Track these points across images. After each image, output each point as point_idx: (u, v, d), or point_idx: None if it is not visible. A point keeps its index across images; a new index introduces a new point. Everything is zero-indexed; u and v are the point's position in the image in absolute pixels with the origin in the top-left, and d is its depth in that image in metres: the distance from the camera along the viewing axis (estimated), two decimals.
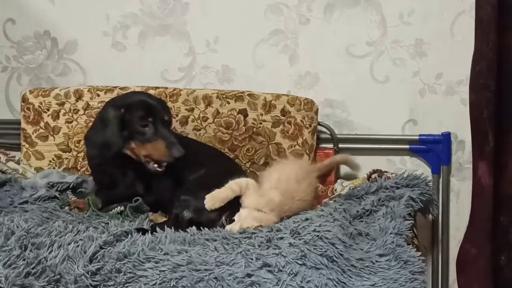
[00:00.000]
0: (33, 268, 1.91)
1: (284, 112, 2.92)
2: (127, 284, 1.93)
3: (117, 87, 2.99)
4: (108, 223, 2.36)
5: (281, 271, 1.95)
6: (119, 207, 2.58)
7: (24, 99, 3.00)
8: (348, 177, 2.98)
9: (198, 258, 2.00)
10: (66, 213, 2.53)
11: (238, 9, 3.09)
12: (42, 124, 2.97)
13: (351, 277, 1.98)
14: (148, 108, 2.54)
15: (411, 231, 2.38)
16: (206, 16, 3.10)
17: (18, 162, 2.97)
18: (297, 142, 2.92)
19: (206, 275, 1.93)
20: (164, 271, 1.95)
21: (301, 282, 1.91)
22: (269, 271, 1.95)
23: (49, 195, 2.67)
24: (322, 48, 3.07)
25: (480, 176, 2.91)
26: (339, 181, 2.95)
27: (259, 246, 2.09)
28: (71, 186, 2.75)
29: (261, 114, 2.92)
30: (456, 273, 3.05)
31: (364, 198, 2.57)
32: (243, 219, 2.34)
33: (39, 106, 2.97)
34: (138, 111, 2.52)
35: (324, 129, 3.06)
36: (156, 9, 3.12)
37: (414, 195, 2.51)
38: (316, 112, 2.95)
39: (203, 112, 2.94)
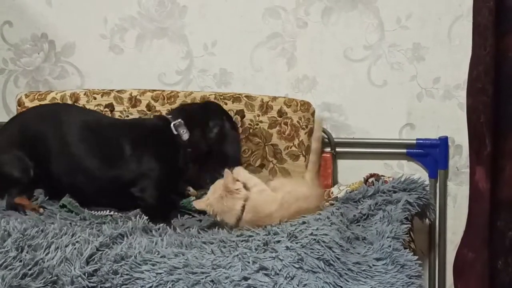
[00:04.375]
0: (29, 270, 1.91)
1: (280, 113, 2.92)
2: (124, 286, 1.94)
3: (113, 90, 2.98)
4: (101, 226, 2.34)
5: (277, 274, 1.95)
6: (106, 211, 2.59)
7: (19, 103, 3.00)
8: (346, 182, 2.97)
9: (194, 261, 2.01)
10: (60, 216, 2.52)
11: (236, 12, 3.09)
12: None
13: (348, 281, 1.98)
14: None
15: (408, 235, 2.38)
16: (204, 19, 3.10)
17: None
18: (293, 143, 2.92)
19: (202, 278, 1.93)
20: (160, 273, 1.96)
21: (297, 285, 1.91)
22: (265, 274, 1.95)
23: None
24: (320, 51, 3.06)
25: (477, 181, 2.91)
26: (336, 185, 2.95)
27: (256, 249, 2.09)
28: None
29: (258, 115, 2.92)
30: (453, 278, 3.05)
31: (361, 202, 2.57)
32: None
33: None
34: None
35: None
36: (153, 12, 3.11)
37: (411, 199, 2.52)
38: (313, 114, 2.95)
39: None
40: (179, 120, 2.70)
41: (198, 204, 2.44)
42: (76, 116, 2.75)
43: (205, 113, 2.75)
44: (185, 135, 2.69)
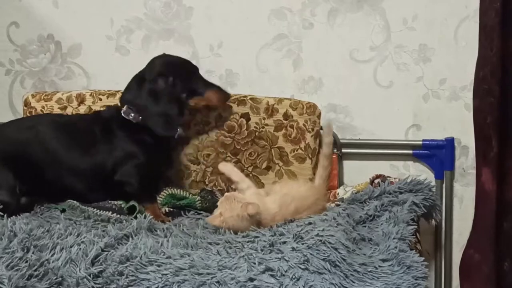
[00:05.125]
0: (35, 271, 1.90)
1: (286, 116, 2.92)
2: (129, 287, 1.93)
3: (119, 91, 2.98)
4: (106, 227, 2.34)
5: (283, 275, 1.94)
6: (108, 213, 2.60)
7: (26, 103, 3.00)
8: (352, 183, 2.97)
9: (200, 262, 2.00)
10: (65, 216, 2.53)
11: (242, 13, 3.09)
12: None
13: (353, 282, 1.97)
14: (191, 67, 2.84)
15: (414, 236, 2.38)
16: (210, 21, 3.10)
17: None
18: (299, 146, 2.92)
19: (208, 279, 1.93)
20: (166, 274, 1.95)
21: (303, 286, 1.90)
22: (271, 275, 1.95)
23: None
24: (326, 52, 3.06)
25: (484, 182, 2.90)
26: (342, 186, 2.95)
27: (261, 250, 2.08)
28: None
29: (264, 118, 2.92)
30: (459, 279, 3.04)
31: (367, 203, 2.56)
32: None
33: (41, 110, 2.97)
34: (185, 74, 2.78)
35: None
36: (160, 13, 3.12)
37: (417, 200, 2.51)
38: (319, 116, 2.94)
39: (206, 116, 2.94)
40: (125, 106, 2.76)
41: (213, 221, 2.40)
42: (47, 120, 2.81)
43: (137, 87, 2.78)
44: (135, 118, 2.74)
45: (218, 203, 2.44)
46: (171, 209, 2.70)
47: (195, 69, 2.85)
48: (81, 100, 2.97)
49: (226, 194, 2.46)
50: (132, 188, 2.67)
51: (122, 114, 2.74)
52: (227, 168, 2.65)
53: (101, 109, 2.92)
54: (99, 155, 2.70)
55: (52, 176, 2.68)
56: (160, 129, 2.72)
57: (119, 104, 2.80)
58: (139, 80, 2.79)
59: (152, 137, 2.73)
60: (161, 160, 2.80)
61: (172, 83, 2.72)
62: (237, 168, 2.72)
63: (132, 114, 2.73)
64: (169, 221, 2.58)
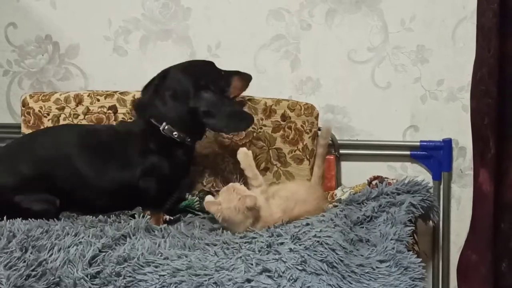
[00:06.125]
0: (33, 271, 1.91)
1: (284, 117, 2.92)
2: None
3: (117, 91, 2.98)
4: (104, 227, 2.33)
5: (281, 276, 1.94)
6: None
7: (24, 104, 3.00)
8: (349, 184, 2.97)
9: (198, 263, 2.00)
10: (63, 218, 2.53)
11: (240, 14, 3.09)
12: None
13: (351, 283, 1.97)
14: (208, 64, 2.74)
15: (412, 237, 2.38)
16: (208, 21, 3.11)
17: None
18: (297, 147, 2.92)
19: (205, 280, 1.93)
20: (163, 275, 1.95)
21: (301, 287, 1.91)
22: (269, 276, 1.95)
23: None
24: (324, 53, 3.06)
25: (481, 183, 2.90)
26: (340, 187, 2.95)
27: (259, 251, 2.08)
28: None
29: (261, 119, 2.92)
30: (457, 280, 3.04)
31: (365, 204, 2.56)
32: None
33: (39, 111, 2.97)
34: (208, 67, 2.70)
35: None
36: (157, 14, 3.12)
37: (415, 201, 2.51)
38: (317, 117, 2.95)
39: None
40: (164, 124, 2.59)
41: (209, 207, 2.37)
42: (73, 132, 2.72)
43: (176, 101, 2.62)
44: (179, 137, 2.61)
45: (219, 193, 2.42)
46: (171, 218, 2.67)
47: (212, 64, 2.72)
48: (79, 100, 2.97)
49: (228, 185, 2.42)
50: (148, 196, 2.59)
51: (163, 132, 2.58)
52: (246, 162, 2.48)
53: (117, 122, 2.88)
54: (129, 172, 2.60)
55: (80, 194, 2.62)
56: (242, 126, 2.65)
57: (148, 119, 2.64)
58: (172, 95, 2.60)
59: (184, 152, 2.64)
60: (183, 173, 2.72)
61: (213, 85, 2.62)
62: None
63: (176, 133, 2.59)
64: None
